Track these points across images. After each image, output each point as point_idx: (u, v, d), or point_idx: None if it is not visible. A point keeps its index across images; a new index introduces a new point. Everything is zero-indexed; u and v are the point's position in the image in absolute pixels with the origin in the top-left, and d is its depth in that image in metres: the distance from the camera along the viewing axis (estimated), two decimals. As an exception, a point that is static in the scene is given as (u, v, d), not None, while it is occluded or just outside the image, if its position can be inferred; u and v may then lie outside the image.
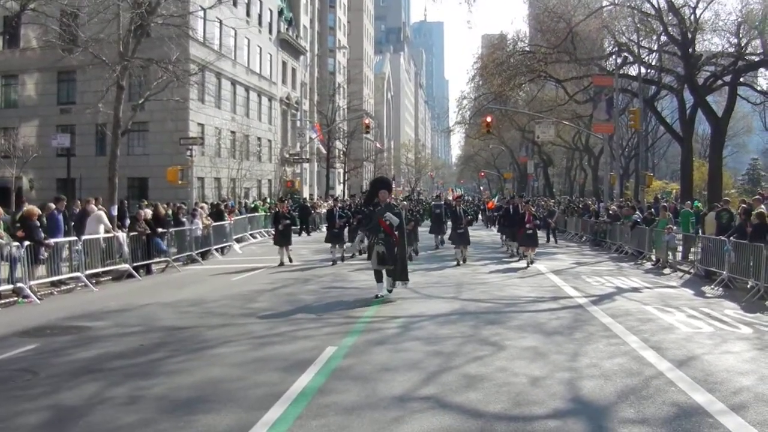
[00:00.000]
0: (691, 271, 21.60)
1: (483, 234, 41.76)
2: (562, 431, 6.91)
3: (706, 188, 42.50)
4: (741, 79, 38.96)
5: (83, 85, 43.77)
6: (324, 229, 28.80)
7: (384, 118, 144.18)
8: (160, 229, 22.80)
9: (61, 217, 20.08)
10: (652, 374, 8.97)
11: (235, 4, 51.10)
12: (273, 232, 25.94)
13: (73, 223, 22.22)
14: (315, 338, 11.26)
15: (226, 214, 31.40)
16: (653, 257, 25.01)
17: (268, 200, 50.12)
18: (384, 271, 15.64)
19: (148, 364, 9.63)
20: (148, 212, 23.07)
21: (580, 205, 44.71)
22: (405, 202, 19.18)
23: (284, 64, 69.33)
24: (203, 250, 26.54)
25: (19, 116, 46.80)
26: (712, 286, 18.50)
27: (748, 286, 17.09)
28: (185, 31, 29.18)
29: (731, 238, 18.59)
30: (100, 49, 25.59)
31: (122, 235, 20.88)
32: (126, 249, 20.64)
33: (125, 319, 13.39)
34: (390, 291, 15.68)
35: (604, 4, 41.75)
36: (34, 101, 48.38)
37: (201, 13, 36.70)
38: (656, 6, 37.61)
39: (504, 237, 30.03)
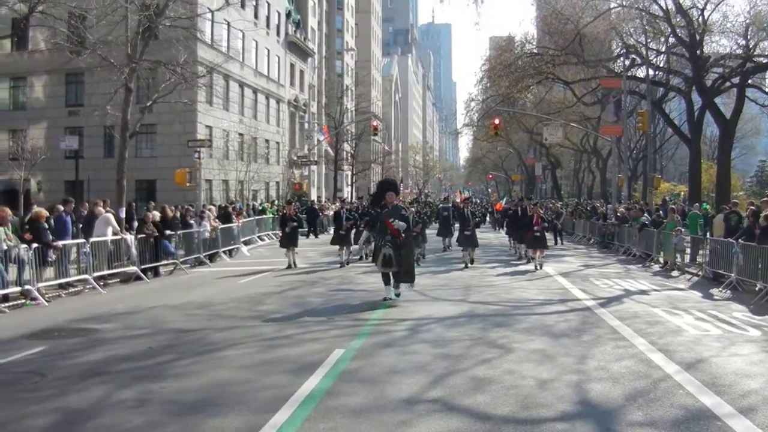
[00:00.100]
0: (699, 273, 21.55)
1: (491, 236, 41.69)
2: (569, 434, 6.91)
3: (715, 190, 42.46)
4: (749, 81, 38.89)
5: (91, 88, 43.87)
6: (332, 231, 28.80)
7: (392, 120, 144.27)
8: (167, 232, 22.84)
9: (69, 219, 20.11)
10: (660, 377, 8.95)
11: (243, 6, 51.17)
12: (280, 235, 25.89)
13: (81, 226, 22.24)
14: (323, 341, 11.26)
15: (233, 217, 31.44)
16: (661, 259, 24.94)
17: (276, 202, 50.17)
18: (391, 274, 15.61)
19: (155, 366, 9.64)
20: (156, 214, 23.08)
21: (588, 208, 44.66)
22: (413, 209, 19.11)
23: (292, 66, 69.39)
24: (211, 252, 26.56)
25: (28, 118, 47.01)
26: (720, 289, 18.44)
27: (757, 288, 17.02)
28: (193, 33, 29.25)
29: (739, 240, 18.53)
30: (108, 51, 25.67)
31: (130, 238, 20.92)
32: (134, 251, 20.67)
33: (133, 321, 13.41)
34: (398, 296, 15.61)
35: (611, 6, 41.72)
36: (43, 103, 48.50)
37: (209, 16, 36.77)
38: (664, 8, 37.59)
39: (512, 239, 29.96)
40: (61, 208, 19.98)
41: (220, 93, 48.09)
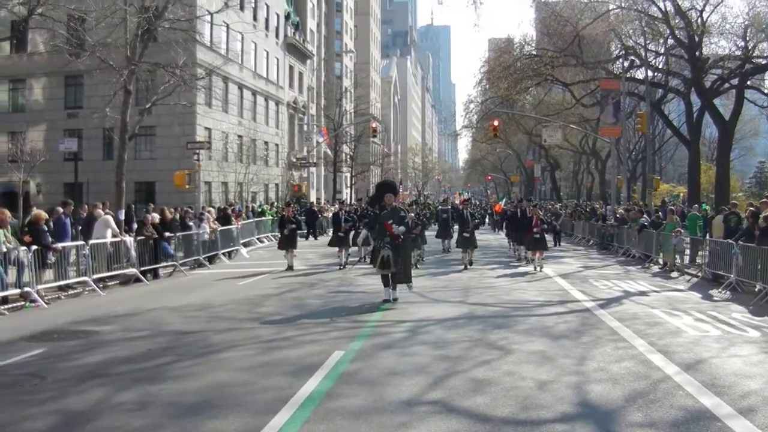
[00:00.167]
0: (699, 274, 21.55)
1: (490, 238, 41.70)
2: (569, 436, 6.91)
3: (714, 191, 42.48)
4: (748, 82, 38.95)
5: (90, 90, 43.78)
6: (331, 233, 28.81)
7: (391, 122, 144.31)
8: (167, 234, 22.83)
9: (68, 221, 20.11)
10: (660, 378, 8.95)
11: (242, 8, 51.20)
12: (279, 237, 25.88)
13: (80, 228, 22.25)
14: (322, 342, 11.26)
15: (233, 219, 31.47)
16: (660, 260, 24.95)
17: (276, 204, 50.16)
18: (389, 276, 15.61)
19: (155, 368, 9.64)
20: (155, 216, 23.08)
21: (588, 209, 44.68)
22: (412, 214, 19.02)
23: (291, 68, 69.42)
24: (210, 254, 26.55)
25: (27, 121, 47.04)
26: (720, 290, 18.43)
27: (756, 289, 17.01)
28: (192, 35, 29.27)
29: (739, 241, 18.53)
30: (108, 53, 25.66)
31: (129, 240, 20.92)
32: (133, 253, 20.66)
33: (132, 323, 13.40)
34: (395, 300, 15.56)
35: (610, 8, 41.73)
36: (42, 106, 48.48)
37: (208, 18, 36.77)
38: (663, 9, 37.62)
39: (511, 241, 29.93)
40: (61, 210, 19.98)
41: (219, 95, 48.15)
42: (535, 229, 23.51)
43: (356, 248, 25.43)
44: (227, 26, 46.82)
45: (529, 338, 11.59)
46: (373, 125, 68.13)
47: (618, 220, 32.09)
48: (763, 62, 37.44)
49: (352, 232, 24.89)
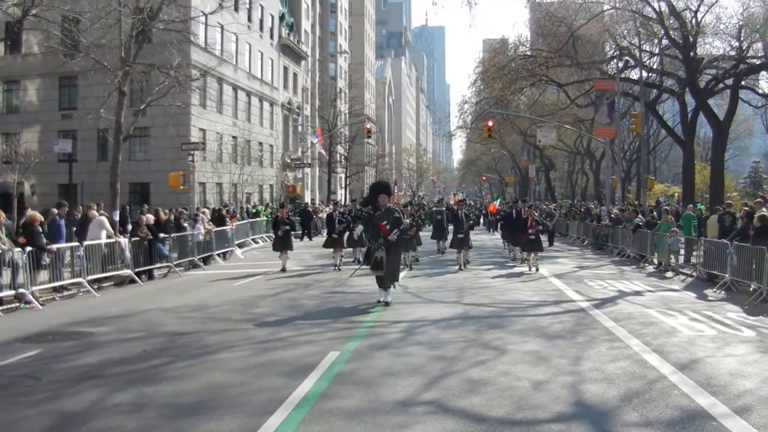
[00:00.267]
0: (694, 274, 21.58)
1: (485, 238, 41.73)
2: (565, 435, 6.92)
3: (708, 191, 42.55)
4: (742, 83, 39.00)
5: (85, 91, 43.73)
6: (325, 234, 28.76)
7: (385, 123, 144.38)
8: (161, 235, 22.82)
9: (63, 222, 20.03)
10: (655, 378, 8.96)
11: (236, 9, 51.16)
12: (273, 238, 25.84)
13: (74, 229, 22.21)
14: (317, 343, 11.25)
15: (227, 219, 31.44)
16: (655, 260, 24.99)
17: (270, 205, 50.12)
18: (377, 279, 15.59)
19: (150, 369, 9.63)
20: (150, 217, 23.07)
21: (582, 209, 44.69)
22: (408, 221, 18.93)
23: (285, 69, 69.36)
24: (205, 255, 26.52)
25: (21, 122, 46.93)
26: (715, 289, 18.46)
27: (751, 289, 17.07)
28: (186, 36, 29.25)
29: (733, 241, 18.58)
30: (102, 54, 25.65)
31: (124, 241, 20.88)
32: (128, 254, 20.65)
33: (127, 324, 13.39)
34: (388, 303, 15.43)
35: (605, 8, 41.76)
36: (36, 107, 48.37)
37: (202, 19, 36.65)
38: (657, 10, 37.65)
39: (506, 242, 29.92)
40: (55, 211, 19.92)
41: (213, 96, 48.00)
42: (530, 231, 23.51)
43: (350, 249, 25.48)
44: (222, 27, 46.79)
45: (524, 338, 11.59)
46: (368, 126, 68.11)
47: (613, 220, 32.14)
48: (758, 62, 37.48)
49: (347, 234, 24.86)
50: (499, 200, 57.03)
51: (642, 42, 42.27)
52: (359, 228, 16.64)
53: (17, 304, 15.80)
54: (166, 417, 7.49)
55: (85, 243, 18.87)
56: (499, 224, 34.28)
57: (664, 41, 39.81)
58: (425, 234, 31.28)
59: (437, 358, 10.07)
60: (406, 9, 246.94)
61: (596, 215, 37.82)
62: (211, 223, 28.32)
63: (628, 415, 7.41)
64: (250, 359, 10.21)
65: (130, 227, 23.65)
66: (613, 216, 32.84)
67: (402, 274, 20.51)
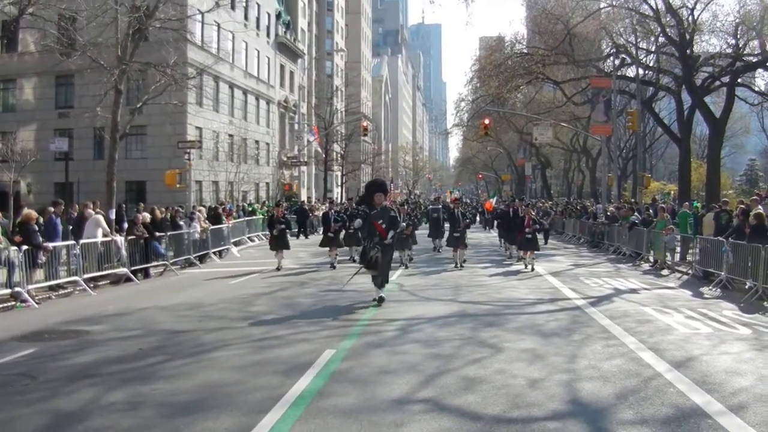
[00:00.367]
0: (689, 272, 21.62)
1: (481, 236, 41.72)
2: (560, 433, 6.93)
3: (704, 189, 42.58)
4: (739, 80, 39.02)
5: (81, 89, 43.70)
6: (321, 232, 28.71)
7: (382, 121, 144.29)
8: (158, 233, 22.80)
9: (59, 221, 20.02)
10: (651, 375, 8.98)
11: (233, 7, 51.09)
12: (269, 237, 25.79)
13: (71, 227, 22.17)
14: (313, 341, 11.25)
15: (224, 218, 31.41)
16: (651, 258, 25.02)
17: (267, 203, 50.11)
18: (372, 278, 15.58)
19: (146, 368, 9.62)
20: (146, 216, 23.03)
21: (578, 207, 44.73)
22: (404, 224, 18.94)
23: (282, 67, 69.33)
24: (201, 253, 26.50)
25: (17, 120, 46.86)
26: (710, 287, 18.50)
27: (747, 286, 17.08)
28: (183, 34, 29.21)
29: (729, 238, 18.59)
30: (98, 53, 25.59)
31: (120, 239, 20.86)
32: (124, 253, 20.61)
33: (123, 323, 13.37)
34: (382, 299, 15.41)
35: (601, 6, 41.82)
36: (32, 105, 48.35)
37: (199, 17, 36.67)
38: (654, 7, 37.70)
39: (503, 240, 29.89)
40: (51, 210, 19.91)
41: (210, 94, 48.05)
42: (527, 229, 23.49)
43: (346, 248, 25.49)
44: (218, 25, 46.71)
45: (520, 336, 11.60)
46: (364, 124, 68.21)
47: (609, 218, 32.15)
48: (754, 60, 37.55)
49: (342, 232, 24.84)
50: (495, 198, 57.05)
51: (638, 40, 42.35)
52: (358, 221, 16.63)
53: (13, 303, 15.77)
54: (162, 415, 7.48)
55: (82, 241, 18.84)
56: (495, 222, 34.20)
57: (661, 39, 39.86)
58: (422, 232, 31.26)
59: (433, 356, 10.07)
60: (402, 7, 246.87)
61: (592, 213, 37.83)
62: (207, 221, 28.28)
63: (623, 413, 7.43)
64: (246, 357, 10.21)
65: (126, 226, 23.60)
66: (609, 214, 32.86)
67: (398, 273, 20.61)
